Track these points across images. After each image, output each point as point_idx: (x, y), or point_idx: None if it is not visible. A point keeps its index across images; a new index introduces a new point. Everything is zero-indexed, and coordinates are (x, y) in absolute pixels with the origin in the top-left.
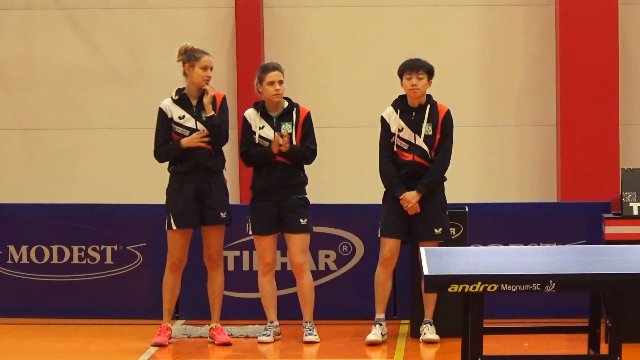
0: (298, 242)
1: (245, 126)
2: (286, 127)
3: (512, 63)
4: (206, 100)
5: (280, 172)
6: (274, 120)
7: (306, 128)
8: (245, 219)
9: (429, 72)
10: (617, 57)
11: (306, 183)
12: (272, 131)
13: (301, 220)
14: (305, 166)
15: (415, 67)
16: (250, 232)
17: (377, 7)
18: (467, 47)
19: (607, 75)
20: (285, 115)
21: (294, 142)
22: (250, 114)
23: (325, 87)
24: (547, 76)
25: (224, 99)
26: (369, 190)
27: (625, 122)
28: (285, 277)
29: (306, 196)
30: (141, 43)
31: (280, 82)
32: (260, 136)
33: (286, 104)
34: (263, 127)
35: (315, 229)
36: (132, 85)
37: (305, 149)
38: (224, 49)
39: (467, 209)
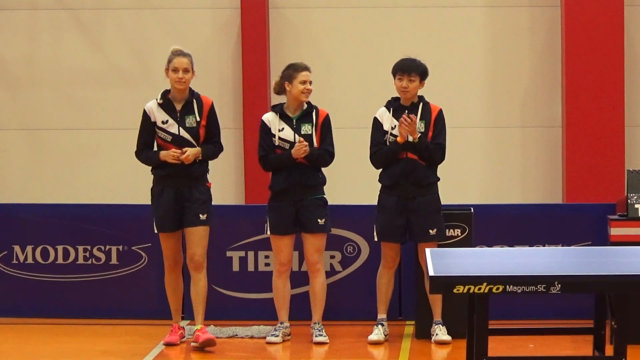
0: (314, 242)
1: (264, 131)
2: (306, 129)
3: (517, 64)
4: (183, 157)
5: (300, 173)
6: (294, 121)
7: (324, 130)
8: (249, 220)
9: (422, 73)
10: (623, 59)
11: (324, 183)
12: (292, 132)
13: (319, 220)
14: None
15: (407, 70)
16: (268, 232)
17: (383, 8)
18: (473, 48)
19: (612, 77)
20: (305, 117)
21: (315, 143)
22: (269, 117)
23: (330, 87)
24: (552, 77)
25: (212, 106)
26: (374, 191)
27: (631, 123)
28: (295, 278)
29: (324, 196)
30: (146, 43)
31: (311, 82)
32: (280, 138)
33: (305, 105)
34: (283, 129)
35: (331, 228)
36: (137, 86)
37: (324, 151)
38: (230, 49)
39: (472, 210)
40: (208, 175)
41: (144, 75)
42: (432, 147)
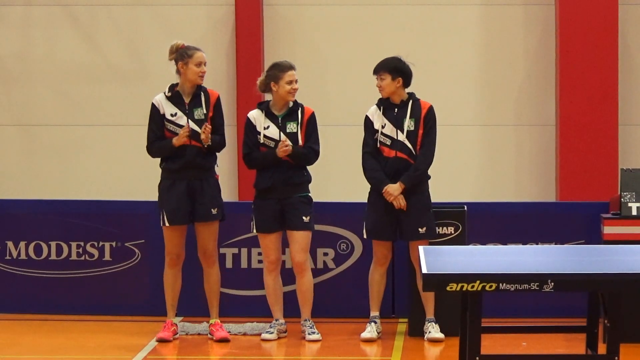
0: (300, 240)
1: (249, 128)
2: (291, 127)
3: (511, 63)
4: (203, 136)
5: (285, 171)
6: (279, 119)
7: (310, 128)
8: (243, 217)
9: (392, 70)
10: (617, 57)
11: (309, 181)
12: (278, 131)
13: (304, 218)
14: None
15: (375, 70)
16: (254, 230)
17: (377, 5)
18: (467, 46)
19: (606, 76)
20: (291, 115)
21: (300, 141)
22: (255, 114)
23: (324, 85)
24: (546, 76)
25: (218, 99)
26: (367, 188)
27: (625, 122)
28: (288, 275)
29: (309, 194)
30: (140, 40)
31: (296, 81)
32: (265, 136)
33: (291, 103)
34: (268, 127)
35: (314, 227)
36: (131, 82)
37: (308, 149)
38: (224, 46)
39: (465, 208)
40: (216, 168)
41: (138, 71)
42: (419, 172)
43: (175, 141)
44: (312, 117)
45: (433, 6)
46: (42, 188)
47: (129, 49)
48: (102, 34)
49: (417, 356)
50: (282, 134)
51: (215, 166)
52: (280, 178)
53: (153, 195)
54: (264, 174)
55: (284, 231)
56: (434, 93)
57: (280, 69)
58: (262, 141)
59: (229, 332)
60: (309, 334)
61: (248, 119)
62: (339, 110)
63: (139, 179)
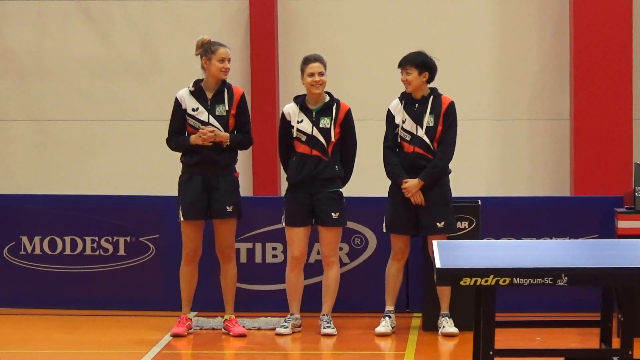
0: (328, 235)
1: (283, 122)
2: (325, 122)
3: (525, 56)
4: (205, 137)
5: (315, 165)
6: (313, 114)
7: (348, 124)
8: (257, 212)
9: (419, 65)
10: (631, 51)
11: (340, 177)
12: (311, 125)
13: (333, 214)
14: None
15: (402, 64)
16: (284, 223)
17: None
18: (481, 39)
19: (620, 69)
20: (325, 110)
21: (332, 137)
22: (289, 108)
23: (339, 79)
24: (560, 70)
25: (243, 96)
26: (382, 183)
27: (639, 116)
28: (305, 269)
29: (340, 190)
30: (155, 34)
31: (321, 74)
32: (298, 129)
33: (327, 98)
34: (302, 120)
35: (346, 221)
36: (145, 77)
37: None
38: (238, 41)
39: (479, 203)
40: (236, 166)
41: (152, 66)
42: (438, 168)
43: (192, 140)
44: (349, 113)
45: (447, 0)
46: (56, 183)
47: (143, 43)
48: (116, 28)
49: (431, 351)
50: (314, 128)
51: (235, 164)
52: (310, 172)
53: (167, 190)
54: (295, 168)
55: (313, 227)
56: (448, 87)
57: (304, 62)
58: (295, 135)
59: (243, 326)
60: (324, 327)
61: (282, 113)
62: (354, 104)
63: (154, 174)
